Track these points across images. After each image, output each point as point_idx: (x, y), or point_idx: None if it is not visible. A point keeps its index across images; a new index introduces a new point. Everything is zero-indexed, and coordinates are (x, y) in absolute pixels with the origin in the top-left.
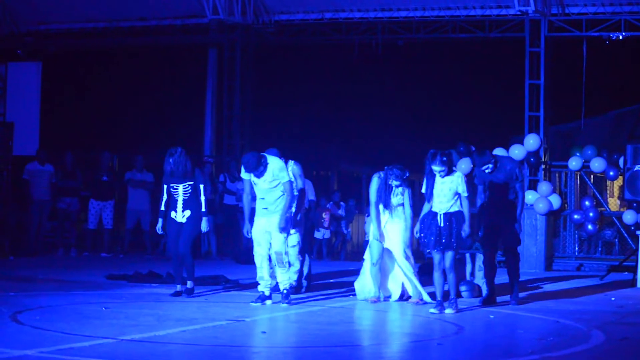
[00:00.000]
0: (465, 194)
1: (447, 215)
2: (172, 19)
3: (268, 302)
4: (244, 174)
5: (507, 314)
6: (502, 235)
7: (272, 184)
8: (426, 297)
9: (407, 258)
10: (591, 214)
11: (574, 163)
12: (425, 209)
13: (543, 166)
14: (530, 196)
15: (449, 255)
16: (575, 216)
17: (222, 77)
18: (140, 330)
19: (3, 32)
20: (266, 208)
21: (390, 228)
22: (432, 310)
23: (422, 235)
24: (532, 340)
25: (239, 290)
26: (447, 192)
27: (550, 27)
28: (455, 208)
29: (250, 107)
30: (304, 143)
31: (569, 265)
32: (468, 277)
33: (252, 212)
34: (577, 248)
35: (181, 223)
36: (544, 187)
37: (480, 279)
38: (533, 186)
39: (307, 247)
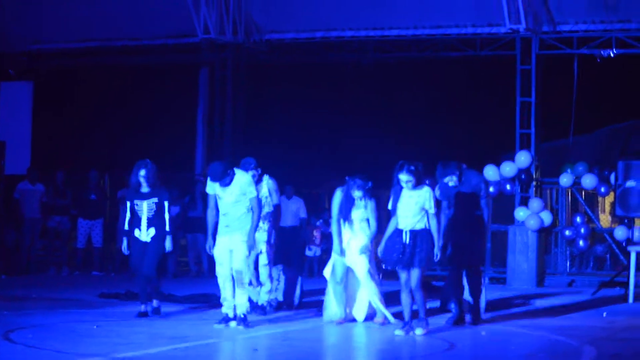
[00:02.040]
0: (433, 211)
1: (412, 232)
2: (164, 38)
3: (232, 323)
4: (209, 188)
5: (498, 330)
6: (466, 253)
7: (238, 198)
8: (390, 318)
9: (371, 276)
10: (582, 230)
11: (565, 180)
12: (392, 225)
13: (534, 183)
14: (521, 213)
15: (414, 273)
16: (567, 232)
17: (214, 96)
18: (132, 348)
19: None
20: (228, 225)
21: (353, 244)
22: (397, 332)
23: (384, 251)
24: (523, 356)
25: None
26: (414, 206)
27: (542, 44)
28: (422, 225)
29: (241, 125)
30: (295, 161)
31: (560, 281)
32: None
33: (215, 228)
34: (568, 264)
35: (145, 242)
36: (535, 203)
37: (468, 295)
38: (524, 203)
39: (299, 265)
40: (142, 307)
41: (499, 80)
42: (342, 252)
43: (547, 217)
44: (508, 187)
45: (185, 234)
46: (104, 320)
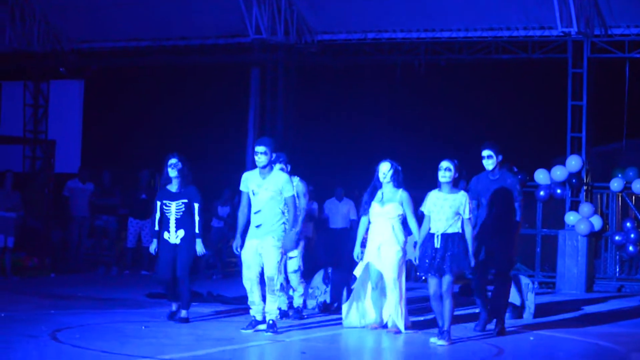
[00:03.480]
0: (467, 216)
1: (444, 236)
2: (214, 38)
3: (261, 326)
4: (242, 185)
5: (547, 336)
6: (496, 258)
7: (274, 195)
8: (401, 327)
9: (399, 283)
10: (632, 235)
11: (616, 184)
12: (424, 228)
13: (585, 187)
14: (572, 217)
15: (445, 279)
16: (617, 237)
17: (265, 96)
18: (180, 349)
19: (46, 49)
20: (259, 225)
21: (385, 250)
22: (434, 340)
23: (419, 258)
24: None
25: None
26: (448, 210)
27: (593, 48)
28: (454, 229)
29: (292, 126)
30: (345, 162)
31: (609, 286)
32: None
33: (246, 228)
34: (618, 269)
35: (175, 245)
36: (585, 208)
37: (520, 300)
38: (575, 207)
39: (350, 267)
40: (174, 307)
41: (550, 84)
42: (357, 257)
43: (597, 222)
44: (559, 191)
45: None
46: (152, 321)
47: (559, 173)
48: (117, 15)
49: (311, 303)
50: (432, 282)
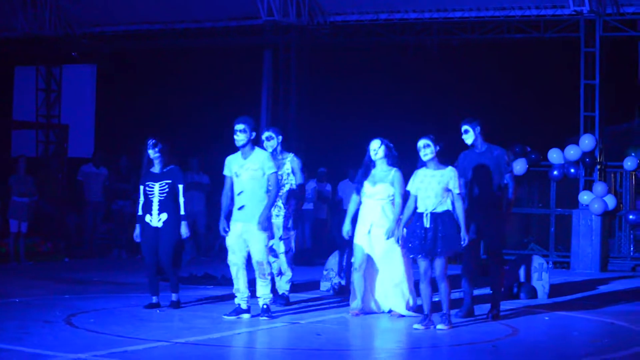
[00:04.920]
0: (457, 191)
1: (433, 215)
2: (226, 20)
3: (245, 315)
4: (226, 169)
5: (561, 315)
6: (485, 237)
7: (255, 175)
8: (402, 310)
9: (406, 262)
10: None
11: (630, 163)
12: (409, 207)
13: (598, 166)
14: (585, 197)
15: (438, 263)
16: (631, 216)
17: (277, 78)
18: (195, 333)
19: (58, 34)
20: (242, 207)
21: (375, 231)
22: (416, 325)
23: (406, 238)
24: (586, 342)
25: (294, 292)
26: (436, 186)
27: (605, 26)
28: (444, 207)
29: (305, 108)
30: (358, 143)
31: (624, 265)
32: (522, 279)
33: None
34: (632, 248)
35: (157, 228)
36: (599, 187)
37: (536, 281)
38: (588, 187)
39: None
40: (154, 299)
41: (562, 63)
42: (347, 234)
43: (611, 201)
44: (572, 170)
45: None
46: (167, 305)
47: (572, 152)
48: None
49: (325, 285)
50: (422, 264)
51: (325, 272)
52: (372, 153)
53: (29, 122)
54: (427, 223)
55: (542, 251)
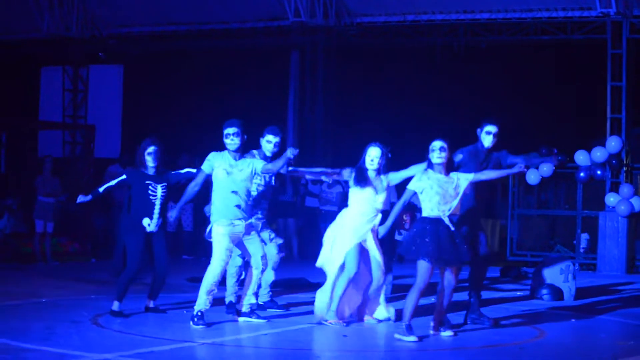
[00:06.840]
0: (472, 177)
1: (451, 221)
2: (253, 21)
3: (242, 319)
4: (205, 166)
5: (589, 317)
6: (478, 242)
7: (249, 176)
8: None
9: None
10: None
11: None
12: (398, 207)
13: (625, 168)
14: (612, 198)
15: (455, 272)
16: None
17: (304, 79)
18: (221, 334)
19: (85, 35)
20: (239, 205)
21: (370, 237)
22: (398, 335)
23: (413, 241)
24: (613, 344)
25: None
26: (453, 192)
27: (632, 28)
28: (455, 212)
29: (332, 108)
30: (384, 144)
31: None
32: (548, 281)
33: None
34: None
35: (151, 232)
36: (625, 189)
37: (561, 282)
38: (615, 188)
39: (391, 249)
40: (151, 303)
41: (589, 64)
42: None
43: (637, 203)
44: (599, 172)
45: (276, 218)
46: (193, 305)
47: (598, 154)
48: None
49: None
50: (429, 270)
51: None
52: (367, 159)
53: (56, 123)
54: (450, 228)
55: (569, 253)
